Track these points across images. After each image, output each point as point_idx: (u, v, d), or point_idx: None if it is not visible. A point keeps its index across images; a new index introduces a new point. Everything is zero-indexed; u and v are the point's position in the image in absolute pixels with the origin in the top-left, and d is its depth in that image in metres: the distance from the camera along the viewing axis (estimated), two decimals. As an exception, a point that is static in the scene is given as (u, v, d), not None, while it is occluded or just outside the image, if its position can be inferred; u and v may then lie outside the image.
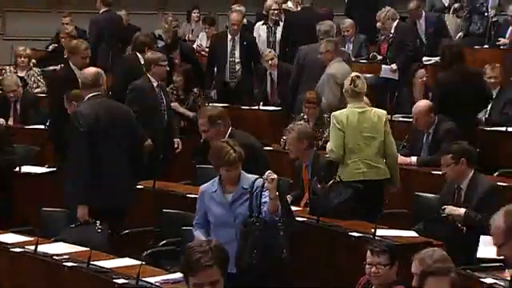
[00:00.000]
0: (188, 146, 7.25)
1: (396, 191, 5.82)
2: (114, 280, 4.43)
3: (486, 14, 9.50)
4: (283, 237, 4.52)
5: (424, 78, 7.61)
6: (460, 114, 6.46)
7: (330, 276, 5.18)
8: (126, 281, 4.41)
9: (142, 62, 7.17)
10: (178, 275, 4.46)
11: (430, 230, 5.23)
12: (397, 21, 8.58)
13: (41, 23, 11.38)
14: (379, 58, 9.29)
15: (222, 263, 2.66)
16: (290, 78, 7.88)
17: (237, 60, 8.62)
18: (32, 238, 5.06)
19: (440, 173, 6.03)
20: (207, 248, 2.64)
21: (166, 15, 10.14)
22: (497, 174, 6.22)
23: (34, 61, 9.23)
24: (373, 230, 5.00)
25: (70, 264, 4.70)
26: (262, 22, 9.42)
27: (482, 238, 4.52)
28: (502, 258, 3.01)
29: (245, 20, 9.36)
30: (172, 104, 7.45)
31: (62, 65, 7.37)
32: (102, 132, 5.39)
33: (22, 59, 8.88)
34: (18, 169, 6.60)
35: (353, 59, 8.92)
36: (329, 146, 5.81)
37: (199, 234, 4.57)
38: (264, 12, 9.70)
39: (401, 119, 7.19)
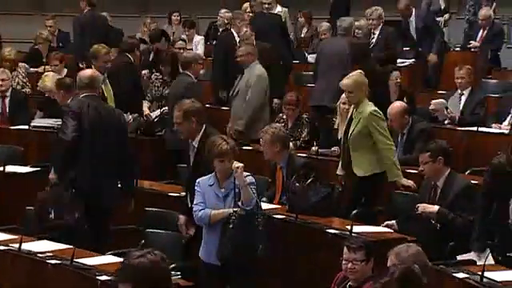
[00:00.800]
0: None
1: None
2: (97, 277, 4.42)
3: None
4: (261, 232, 4.56)
5: (398, 80, 7.65)
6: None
7: (308, 272, 5.19)
8: (109, 278, 4.39)
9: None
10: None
11: (405, 226, 5.26)
12: (381, 25, 8.65)
13: (25, 26, 11.29)
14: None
15: (136, 282, 2.52)
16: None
17: None
18: (16, 236, 5.02)
19: (414, 171, 6.09)
20: (128, 263, 2.53)
21: (146, 19, 10.16)
22: (468, 172, 6.27)
23: (21, 64, 9.15)
24: (349, 227, 5.03)
25: (53, 261, 4.68)
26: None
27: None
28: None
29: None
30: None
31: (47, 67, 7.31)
32: (89, 130, 5.40)
33: (7, 63, 8.76)
34: (2, 168, 6.55)
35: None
36: (387, 141, 5.77)
37: (207, 212, 4.58)
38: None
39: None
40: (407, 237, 5.05)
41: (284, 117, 7.09)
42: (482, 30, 9.41)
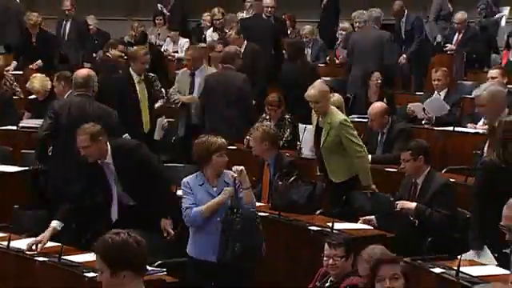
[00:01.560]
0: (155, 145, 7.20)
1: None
2: (85, 274, 4.41)
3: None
4: (261, 232, 4.56)
5: (379, 81, 7.68)
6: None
7: (291, 267, 5.20)
8: (96, 274, 4.35)
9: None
10: (148, 268, 4.45)
11: (383, 223, 5.28)
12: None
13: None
14: (337, 61, 9.33)
15: (105, 257, 2.72)
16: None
17: None
18: (5, 234, 4.99)
19: (394, 170, 6.12)
20: (103, 238, 2.74)
21: (133, 22, 10.15)
22: (445, 170, 6.31)
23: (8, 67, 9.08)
24: (330, 225, 5.04)
25: (41, 259, 4.66)
26: (212, 28, 9.46)
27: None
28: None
29: None
30: None
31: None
32: (66, 128, 5.42)
33: None
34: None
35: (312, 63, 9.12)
36: (358, 148, 5.75)
37: (197, 211, 4.54)
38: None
39: (356, 119, 7.25)
40: (386, 233, 5.08)
41: (267, 117, 7.09)
42: (457, 34, 9.48)
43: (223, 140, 4.64)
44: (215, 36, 9.37)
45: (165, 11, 11.20)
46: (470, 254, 4.51)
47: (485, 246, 4.47)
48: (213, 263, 4.52)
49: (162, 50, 10.25)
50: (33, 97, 7.81)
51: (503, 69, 7.37)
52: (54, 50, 9.52)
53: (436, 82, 7.48)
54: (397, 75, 8.63)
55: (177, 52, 10.39)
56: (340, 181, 5.81)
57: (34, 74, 8.11)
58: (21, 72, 9.25)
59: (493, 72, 7.26)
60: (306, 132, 6.58)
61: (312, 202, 5.60)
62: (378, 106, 6.72)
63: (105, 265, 2.73)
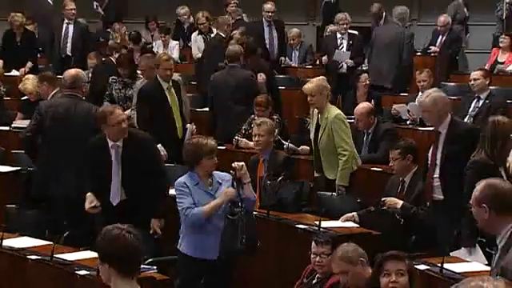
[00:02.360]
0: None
1: None
2: (77, 272, 4.39)
3: None
4: (255, 223, 4.60)
5: (367, 82, 7.69)
6: None
7: (279, 265, 5.19)
8: (88, 272, 4.36)
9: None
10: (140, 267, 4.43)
11: (366, 220, 5.29)
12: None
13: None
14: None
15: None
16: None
17: None
18: (-3, 233, 4.95)
19: (379, 169, 6.12)
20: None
21: (115, 25, 10.13)
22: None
23: None
24: (317, 223, 5.03)
25: (34, 257, 4.63)
26: (197, 31, 9.52)
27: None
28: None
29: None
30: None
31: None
32: (50, 129, 5.42)
33: None
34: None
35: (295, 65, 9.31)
36: (344, 146, 5.72)
37: (198, 212, 4.50)
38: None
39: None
40: (372, 231, 5.08)
41: (255, 118, 7.08)
42: (440, 36, 9.51)
43: (213, 142, 4.62)
44: (200, 39, 9.36)
45: (99, 10, 11.17)
46: (461, 252, 4.52)
47: (476, 245, 4.49)
48: (210, 261, 4.50)
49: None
50: (25, 98, 7.78)
51: (485, 70, 7.39)
52: (37, 49, 9.65)
53: (421, 83, 7.52)
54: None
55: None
56: (334, 178, 5.78)
57: (27, 76, 8.10)
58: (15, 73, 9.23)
59: (475, 73, 7.28)
60: None
61: (299, 200, 5.60)
62: (363, 106, 6.73)
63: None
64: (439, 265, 4.25)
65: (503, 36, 9.02)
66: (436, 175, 4.93)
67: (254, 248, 4.51)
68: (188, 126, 6.71)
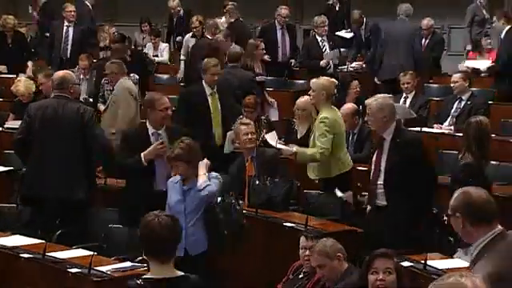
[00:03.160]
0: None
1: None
2: (68, 269, 4.37)
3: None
4: (240, 212, 4.68)
5: (358, 89, 7.69)
6: None
7: (267, 262, 5.19)
8: (79, 270, 4.34)
9: None
10: (128, 264, 4.41)
11: (352, 218, 5.30)
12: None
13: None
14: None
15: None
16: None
17: None
18: (-11, 232, 4.93)
19: (364, 168, 6.12)
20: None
21: (104, 26, 10.12)
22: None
23: None
24: (305, 221, 5.04)
25: (26, 255, 4.61)
26: (190, 34, 9.54)
27: None
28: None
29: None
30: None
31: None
32: (39, 130, 5.41)
33: None
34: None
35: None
36: (321, 145, 5.64)
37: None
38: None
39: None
40: (357, 229, 5.09)
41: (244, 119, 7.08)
42: (424, 39, 9.56)
43: (179, 150, 4.59)
44: (192, 41, 9.36)
45: (34, 14, 11.13)
46: (458, 253, 4.53)
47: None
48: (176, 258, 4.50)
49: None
50: (17, 98, 7.73)
51: (465, 73, 7.45)
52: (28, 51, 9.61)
53: (405, 86, 7.56)
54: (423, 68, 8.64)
55: (157, 56, 10.40)
56: (326, 177, 5.77)
57: (19, 78, 8.07)
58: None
59: (456, 76, 7.33)
60: None
61: (288, 199, 5.60)
62: (348, 107, 6.74)
63: None
64: (423, 261, 4.27)
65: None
66: (380, 182, 4.88)
67: (240, 238, 4.56)
68: (229, 133, 6.56)
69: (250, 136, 5.77)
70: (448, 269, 4.16)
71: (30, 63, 9.31)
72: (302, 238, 4.31)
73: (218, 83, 7.06)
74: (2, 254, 4.72)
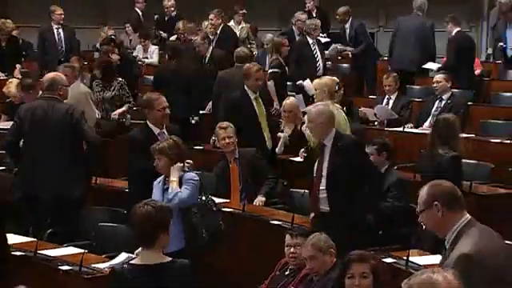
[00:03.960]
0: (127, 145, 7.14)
1: None
2: (60, 267, 4.36)
3: None
4: (216, 213, 4.67)
5: (342, 91, 7.66)
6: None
7: (253, 259, 5.19)
8: (71, 267, 4.33)
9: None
10: (119, 260, 4.40)
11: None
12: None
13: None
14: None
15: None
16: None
17: None
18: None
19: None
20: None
21: (103, 28, 10.10)
22: (395, 168, 6.36)
23: None
24: (291, 219, 5.04)
25: (18, 253, 4.58)
26: (175, 37, 9.64)
27: None
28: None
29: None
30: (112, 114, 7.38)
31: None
32: (30, 132, 5.38)
33: None
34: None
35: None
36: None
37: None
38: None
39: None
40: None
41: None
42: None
43: (165, 144, 4.60)
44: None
45: None
46: None
47: None
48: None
49: (133, 55, 10.21)
50: (9, 100, 7.69)
51: (447, 74, 7.50)
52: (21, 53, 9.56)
53: (387, 88, 7.61)
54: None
55: (147, 58, 10.38)
56: None
57: (11, 80, 8.04)
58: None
59: (437, 77, 7.37)
60: None
61: (271, 197, 5.62)
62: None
63: None
64: (405, 258, 4.29)
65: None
66: (322, 187, 4.90)
67: (216, 238, 4.57)
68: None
69: (227, 140, 5.77)
70: (429, 264, 4.17)
71: (18, 66, 9.26)
72: (288, 236, 4.33)
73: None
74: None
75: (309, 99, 7.60)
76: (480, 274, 2.81)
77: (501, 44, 8.83)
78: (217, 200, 5.21)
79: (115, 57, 8.39)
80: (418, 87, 8.70)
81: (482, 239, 2.95)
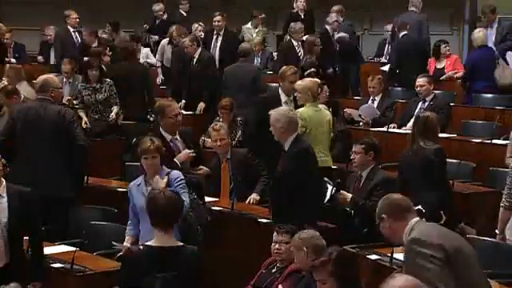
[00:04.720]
0: (117, 146, 7.11)
1: None
2: (51, 265, 4.34)
3: None
4: (203, 206, 4.70)
5: (327, 93, 7.69)
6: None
7: (241, 256, 5.18)
8: (62, 265, 4.31)
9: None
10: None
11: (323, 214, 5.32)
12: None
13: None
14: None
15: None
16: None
17: None
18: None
19: (334, 167, 6.16)
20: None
21: (98, 30, 10.07)
22: (380, 167, 6.38)
23: None
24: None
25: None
26: (167, 40, 9.55)
27: None
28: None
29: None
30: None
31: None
32: (22, 132, 5.35)
33: None
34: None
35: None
36: None
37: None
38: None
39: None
40: (328, 224, 5.10)
41: (220, 119, 7.08)
42: (387, 45, 9.65)
43: (154, 143, 4.50)
44: (169, 48, 9.41)
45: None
46: None
47: None
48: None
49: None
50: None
51: (429, 77, 7.53)
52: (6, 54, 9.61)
53: (371, 89, 7.65)
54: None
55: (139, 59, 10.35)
56: None
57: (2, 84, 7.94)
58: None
59: (420, 80, 7.39)
60: None
61: (264, 196, 5.61)
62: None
63: None
64: (389, 255, 4.29)
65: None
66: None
67: (205, 226, 4.62)
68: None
69: (219, 142, 5.76)
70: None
71: (7, 66, 9.18)
72: (274, 234, 4.32)
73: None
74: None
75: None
76: (433, 254, 3.00)
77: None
78: (207, 199, 5.22)
79: (106, 58, 8.35)
80: (400, 89, 8.74)
81: (430, 227, 3.20)
